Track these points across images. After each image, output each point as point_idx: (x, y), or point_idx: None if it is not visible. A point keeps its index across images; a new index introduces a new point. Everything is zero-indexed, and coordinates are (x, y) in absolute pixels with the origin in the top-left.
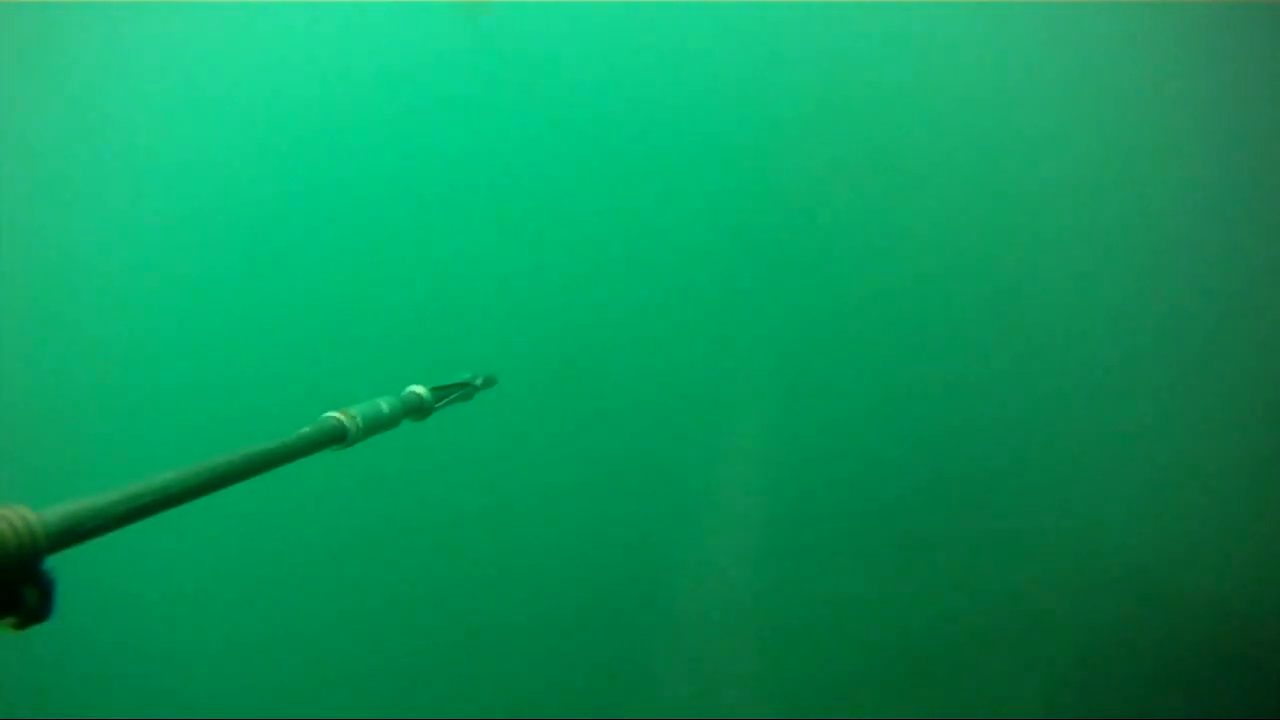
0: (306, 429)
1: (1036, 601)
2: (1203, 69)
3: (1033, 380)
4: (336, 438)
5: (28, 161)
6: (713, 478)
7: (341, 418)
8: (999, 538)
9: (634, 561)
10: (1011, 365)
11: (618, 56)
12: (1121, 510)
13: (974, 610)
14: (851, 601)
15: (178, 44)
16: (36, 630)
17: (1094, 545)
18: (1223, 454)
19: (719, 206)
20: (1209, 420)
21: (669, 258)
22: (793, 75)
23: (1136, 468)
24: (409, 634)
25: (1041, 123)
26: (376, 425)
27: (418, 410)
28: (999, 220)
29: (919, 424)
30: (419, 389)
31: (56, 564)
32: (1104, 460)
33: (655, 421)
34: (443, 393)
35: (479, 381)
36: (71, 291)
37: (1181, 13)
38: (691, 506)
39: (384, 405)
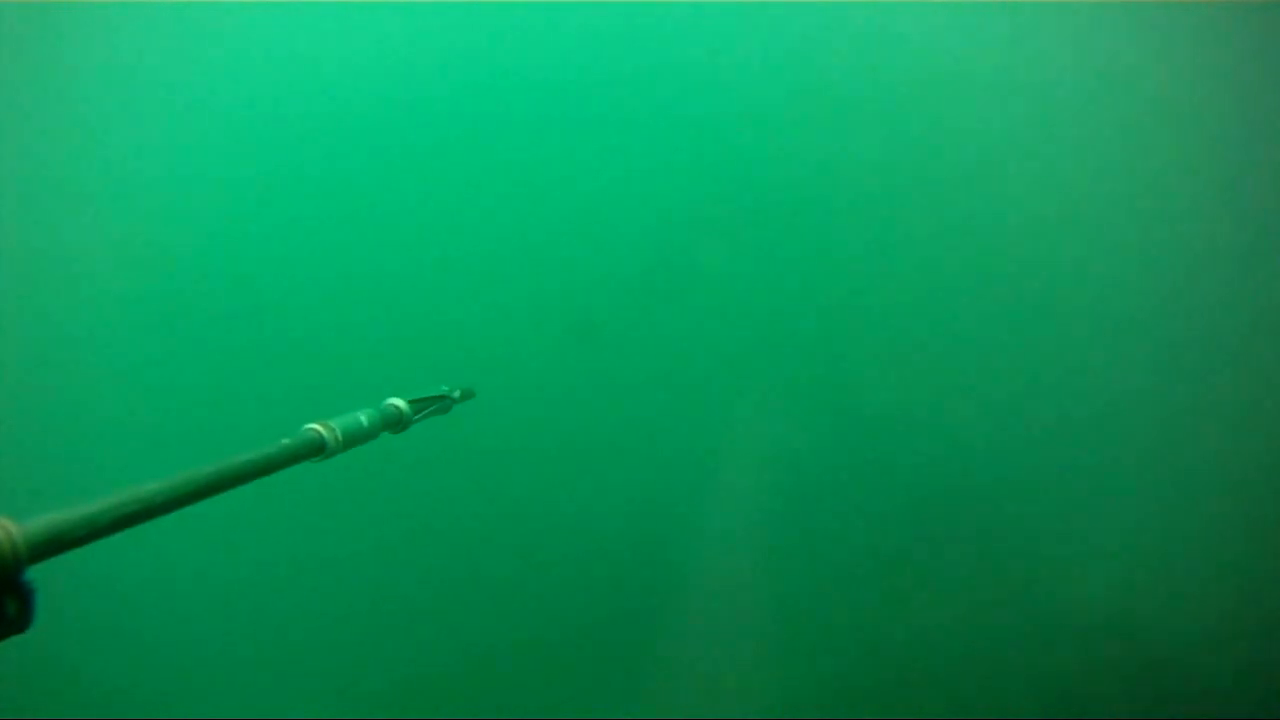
0: (286, 440)
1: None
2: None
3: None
4: (316, 450)
5: (22, 163)
6: (701, 489)
7: (321, 430)
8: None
9: (618, 574)
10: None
11: (613, 58)
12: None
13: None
14: (848, 610)
15: (164, 49)
16: (19, 638)
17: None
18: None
19: (713, 211)
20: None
21: (654, 267)
22: (792, 71)
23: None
24: (390, 641)
25: (1055, 120)
26: (355, 438)
27: (396, 423)
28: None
29: (924, 440)
30: (398, 401)
31: (37, 574)
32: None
33: (637, 434)
34: (421, 405)
35: (457, 394)
36: (60, 297)
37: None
38: (680, 515)
39: (363, 418)
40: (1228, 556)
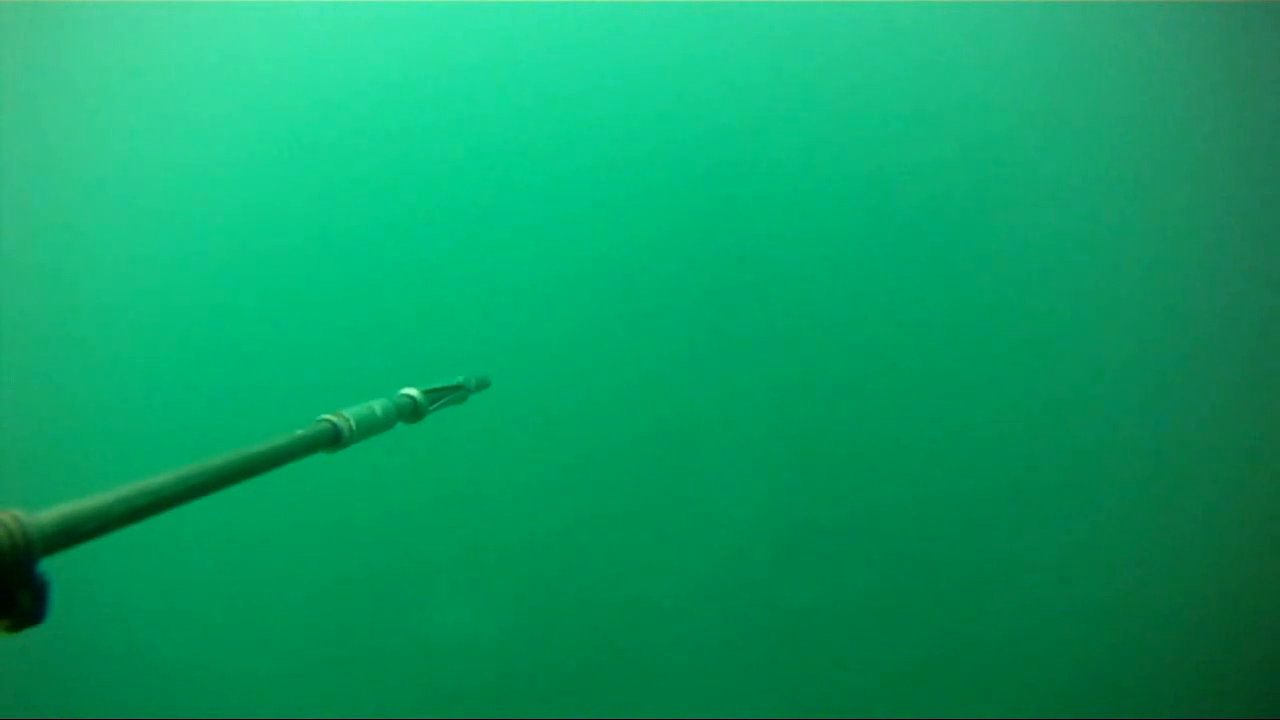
0: (301, 431)
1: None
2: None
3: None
4: (330, 440)
5: (28, 163)
6: (710, 480)
7: (335, 420)
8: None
9: (626, 565)
10: (1014, 385)
11: (616, 60)
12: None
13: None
14: (843, 614)
15: (180, 49)
16: (32, 632)
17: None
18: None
19: (721, 210)
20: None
21: (666, 260)
22: (793, 81)
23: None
24: (402, 637)
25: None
26: (370, 428)
27: (411, 413)
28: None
29: (916, 441)
30: (412, 391)
31: (50, 566)
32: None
33: (651, 424)
34: (436, 395)
35: (472, 384)
36: (69, 292)
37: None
38: (687, 511)
39: (377, 408)
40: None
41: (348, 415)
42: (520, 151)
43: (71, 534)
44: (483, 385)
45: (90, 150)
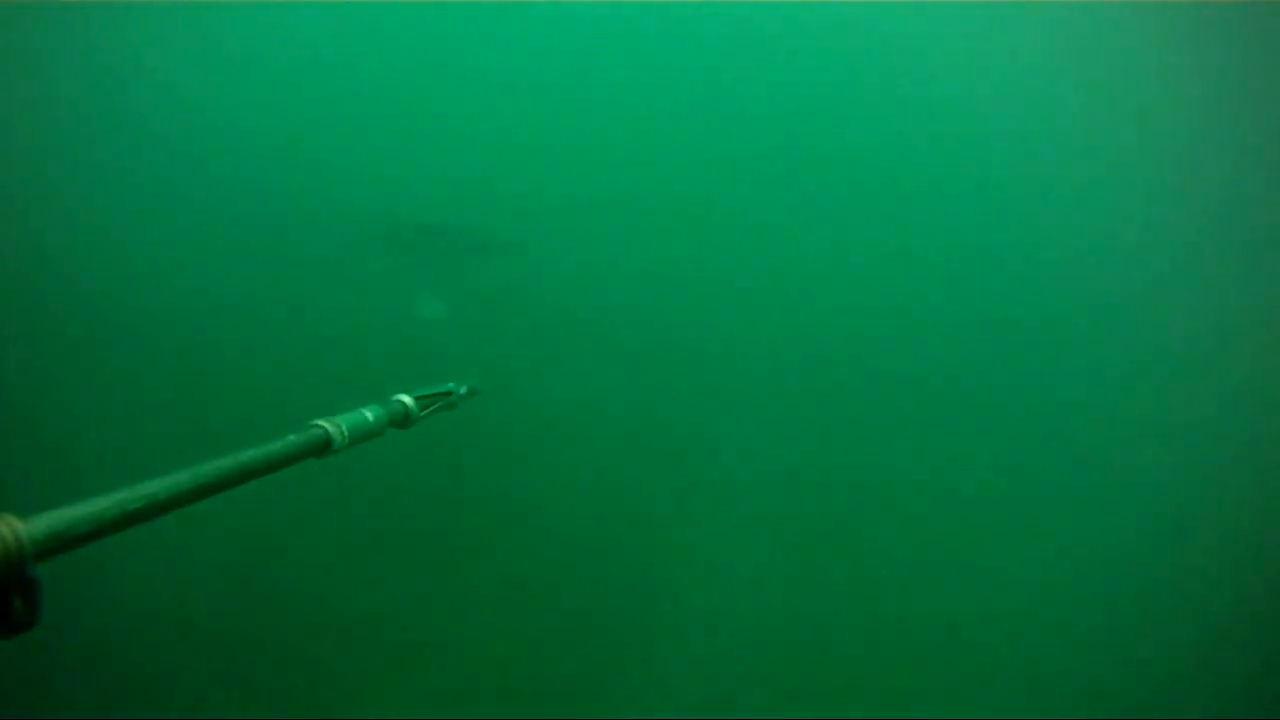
0: (293, 437)
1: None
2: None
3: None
4: (322, 446)
5: (26, 161)
6: (706, 491)
7: (327, 426)
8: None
9: (620, 571)
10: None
11: (615, 60)
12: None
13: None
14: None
15: (173, 48)
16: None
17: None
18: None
19: (715, 204)
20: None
21: (659, 259)
22: (807, 74)
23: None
24: (396, 637)
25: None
26: (362, 434)
27: (403, 419)
28: None
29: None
30: (405, 398)
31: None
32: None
33: (643, 429)
34: (427, 402)
35: (463, 391)
36: (64, 294)
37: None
38: (685, 513)
39: (369, 414)
40: None
41: (339, 421)
42: (522, 152)
43: (64, 539)
44: (473, 393)
45: (81, 148)
